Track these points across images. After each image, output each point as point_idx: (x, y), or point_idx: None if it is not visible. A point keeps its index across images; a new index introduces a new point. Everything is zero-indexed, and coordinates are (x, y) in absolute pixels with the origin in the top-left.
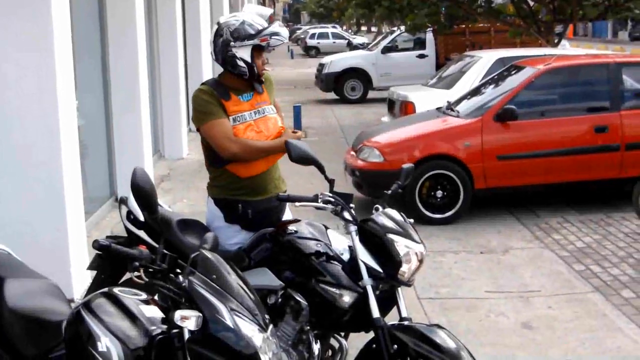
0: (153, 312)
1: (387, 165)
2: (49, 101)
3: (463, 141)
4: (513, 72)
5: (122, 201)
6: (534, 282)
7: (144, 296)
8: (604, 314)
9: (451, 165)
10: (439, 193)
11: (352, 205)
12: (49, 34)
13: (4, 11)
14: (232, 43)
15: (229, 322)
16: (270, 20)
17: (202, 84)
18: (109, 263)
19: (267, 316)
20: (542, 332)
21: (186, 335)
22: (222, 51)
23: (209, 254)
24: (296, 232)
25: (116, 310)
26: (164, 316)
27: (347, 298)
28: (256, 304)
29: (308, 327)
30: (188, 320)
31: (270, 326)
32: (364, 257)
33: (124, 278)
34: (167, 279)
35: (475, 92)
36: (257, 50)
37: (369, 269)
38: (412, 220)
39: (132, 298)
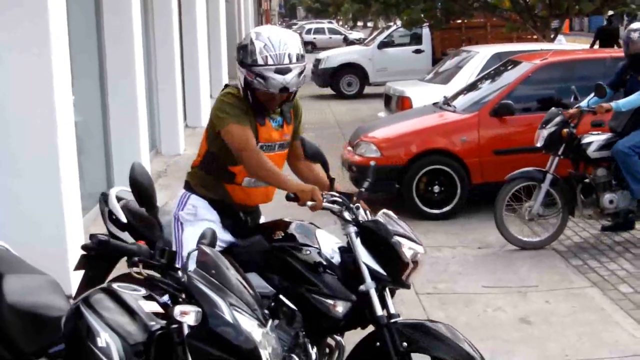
0: (152, 308)
1: (384, 161)
2: (45, 97)
3: (460, 136)
4: (509, 67)
5: (104, 199)
6: (531, 277)
7: (143, 291)
8: (601, 309)
9: (448, 160)
10: (436, 188)
11: (358, 205)
12: (46, 30)
13: (1, 9)
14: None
15: (228, 317)
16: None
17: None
18: (95, 262)
19: (266, 311)
20: (540, 327)
21: (186, 331)
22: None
23: (207, 249)
24: (285, 237)
25: (115, 306)
26: (163, 311)
27: (341, 309)
28: (255, 299)
29: (303, 332)
30: (187, 315)
31: (270, 321)
32: (366, 259)
33: (111, 276)
34: (166, 275)
35: (472, 87)
36: None
37: (371, 271)
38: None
39: (131, 293)
